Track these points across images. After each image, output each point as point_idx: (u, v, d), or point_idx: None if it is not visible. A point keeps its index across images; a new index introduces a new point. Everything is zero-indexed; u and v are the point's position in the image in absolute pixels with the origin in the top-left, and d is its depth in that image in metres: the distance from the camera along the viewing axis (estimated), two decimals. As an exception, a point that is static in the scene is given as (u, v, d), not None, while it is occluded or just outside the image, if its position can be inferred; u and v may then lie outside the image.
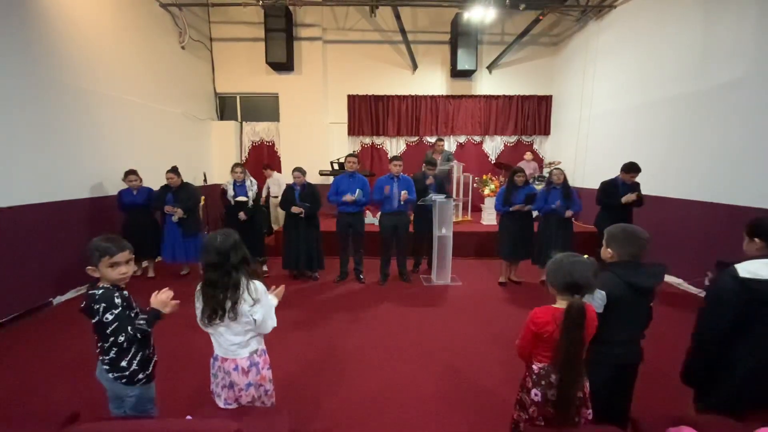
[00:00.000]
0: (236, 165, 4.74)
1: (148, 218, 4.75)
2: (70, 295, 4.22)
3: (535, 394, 1.55)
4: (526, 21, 6.97)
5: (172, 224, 4.70)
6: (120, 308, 1.54)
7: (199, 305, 1.67)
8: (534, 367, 1.58)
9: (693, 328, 1.68)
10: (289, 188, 4.73)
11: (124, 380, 1.62)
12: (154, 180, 5.17)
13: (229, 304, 1.60)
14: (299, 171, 4.62)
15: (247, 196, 4.65)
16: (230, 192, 4.67)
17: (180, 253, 4.78)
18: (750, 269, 1.50)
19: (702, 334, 1.61)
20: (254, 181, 4.82)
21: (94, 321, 1.53)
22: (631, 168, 4.23)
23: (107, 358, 1.60)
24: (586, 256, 1.55)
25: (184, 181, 4.84)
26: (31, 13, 3.85)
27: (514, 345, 1.66)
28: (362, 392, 2.55)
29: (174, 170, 4.69)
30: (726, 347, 1.56)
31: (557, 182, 4.33)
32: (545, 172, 7.24)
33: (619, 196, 4.24)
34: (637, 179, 4.32)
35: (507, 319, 3.72)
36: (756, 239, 1.61)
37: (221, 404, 1.75)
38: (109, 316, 1.51)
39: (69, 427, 1.37)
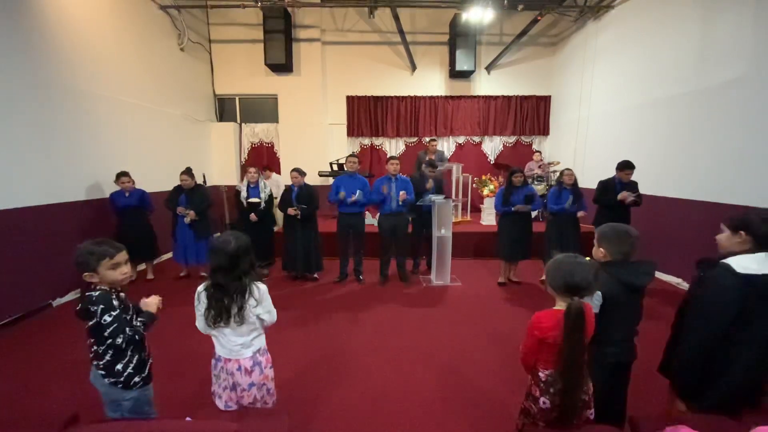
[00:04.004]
0: (250, 167, 4.74)
1: (142, 220, 4.66)
2: (70, 297, 4.21)
3: (544, 402, 1.50)
4: (525, 21, 6.98)
5: (184, 226, 4.67)
6: (118, 310, 1.53)
7: (201, 307, 1.66)
8: (540, 374, 1.52)
9: (677, 326, 1.68)
10: (287, 189, 4.74)
11: (120, 385, 1.59)
12: (154, 182, 5.17)
13: (235, 309, 1.61)
14: (297, 171, 4.61)
15: (260, 198, 4.66)
16: (243, 193, 4.69)
17: (192, 255, 4.74)
18: (742, 264, 1.49)
19: (703, 332, 1.58)
20: (267, 183, 4.81)
21: (90, 323, 1.50)
22: (626, 165, 4.27)
23: (102, 362, 1.57)
24: (587, 258, 1.53)
25: (198, 183, 4.82)
26: (29, 15, 3.85)
27: (519, 352, 1.61)
28: (362, 393, 2.55)
29: (188, 172, 4.68)
30: (725, 345, 1.55)
31: (568, 183, 4.35)
32: (548, 171, 7.25)
33: (616, 194, 4.26)
34: (636, 178, 4.34)
35: (507, 320, 3.73)
36: (741, 232, 1.61)
37: (221, 406, 1.75)
38: (108, 318, 1.49)
39: (68, 429, 1.37)
